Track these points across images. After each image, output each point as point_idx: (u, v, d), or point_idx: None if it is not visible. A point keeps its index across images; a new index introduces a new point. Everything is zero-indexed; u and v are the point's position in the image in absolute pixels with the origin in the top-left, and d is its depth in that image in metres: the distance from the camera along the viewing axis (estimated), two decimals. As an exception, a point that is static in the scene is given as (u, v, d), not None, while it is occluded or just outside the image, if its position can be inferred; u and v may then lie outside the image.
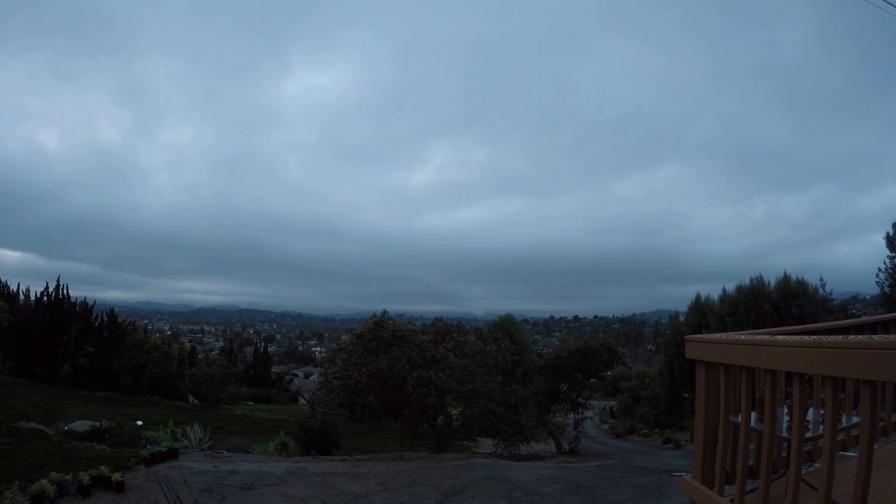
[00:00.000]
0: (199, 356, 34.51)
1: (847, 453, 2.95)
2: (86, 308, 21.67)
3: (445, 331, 13.17)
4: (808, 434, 2.30)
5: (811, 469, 2.87)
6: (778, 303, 19.19)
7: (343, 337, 17.23)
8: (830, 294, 20.47)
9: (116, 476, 6.21)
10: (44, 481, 5.53)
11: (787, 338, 2.34)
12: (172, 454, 8.04)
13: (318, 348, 79.92)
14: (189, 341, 57.91)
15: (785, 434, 2.34)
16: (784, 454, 2.62)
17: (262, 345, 49.46)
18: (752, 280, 20.77)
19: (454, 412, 13.13)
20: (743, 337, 2.61)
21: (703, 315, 22.63)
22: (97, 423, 9.57)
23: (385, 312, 13.03)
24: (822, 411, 2.18)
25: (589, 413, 18.85)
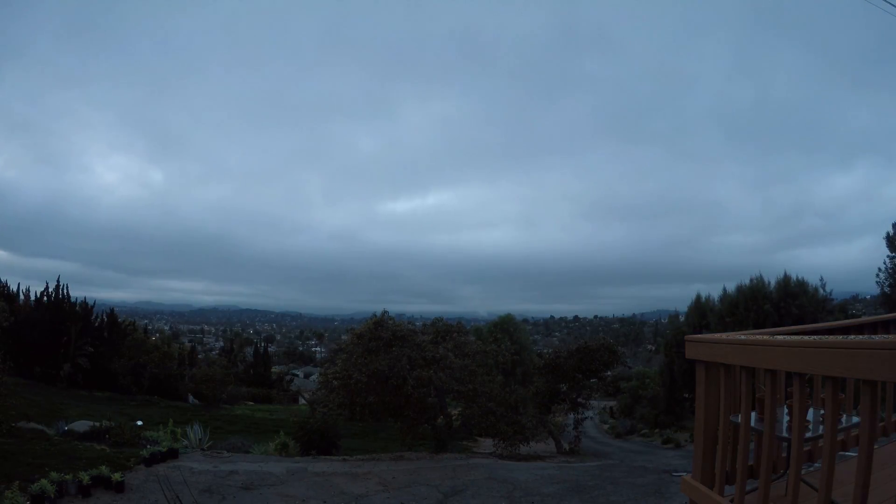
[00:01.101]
0: (199, 356, 34.52)
1: (847, 453, 2.95)
2: (86, 308, 21.66)
3: (445, 331, 13.17)
4: (808, 434, 2.31)
5: (811, 469, 2.87)
6: (778, 303, 19.17)
7: (343, 337, 17.24)
8: (830, 294, 20.48)
9: (116, 476, 6.21)
10: (44, 481, 5.53)
11: (787, 338, 2.34)
12: (172, 454, 8.03)
13: (318, 348, 79.92)
14: (189, 341, 58.04)
15: (785, 434, 2.35)
16: (784, 454, 2.62)
17: (262, 345, 49.54)
18: (752, 280, 20.77)
19: (454, 412, 13.13)
20: (743, 337, 2.61)
21: (703, 315, 22.60)
22: (97, 423, 9.56)
23: (385, 312, 13.01)
24: (822, 411, 2.19)
25: (589, 413, 18.86)
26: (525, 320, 58.30)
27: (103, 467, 6.32)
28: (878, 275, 18.56)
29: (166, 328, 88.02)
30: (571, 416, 16.46)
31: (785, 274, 20.07)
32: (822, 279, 20.21)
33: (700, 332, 15.16)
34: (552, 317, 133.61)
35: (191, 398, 23.28)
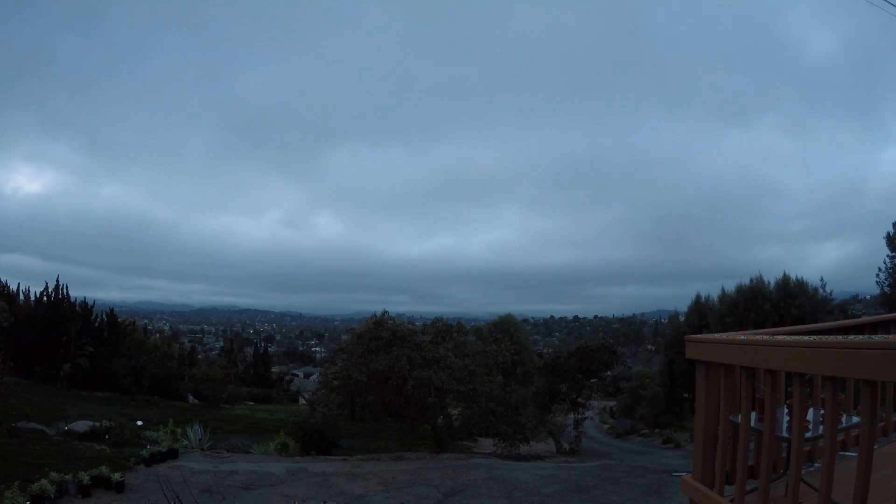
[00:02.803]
0: (199, 356, 34.57)
1: (847, 453, 2.95)
2: (86, 308, 21.70)
3: (445, 331, 13.16)
4: (808, 434, 2.31)
5: (811, 469, 2.87)
6: (778, 303, 19.22)
7: (343, 337, 17.23)
8: (830, 294, 20.54)
9: (116, 476, 6.21)
10: (44, 481, 5.53)
11: (787, 338, 2.34)
12: (172, 454, 8.03)
13: (318, 348, 79.93)
14: (189, 341, 57.94)
15: (785, 434, 2.35)
16: (784, 454, 2.62)
17: (262, 345, 49.61)
18: (751, 280, 20.84)
19: (454, 412, 13.13)
20: (743, 337, 2.61)
21: (703, 315, 22.65)
22: (97, 423, 9.56)
23: (385, 312, 13.00)
24: (822, 411, 2.19)
25: (589, 413, 18.85)
26: (525, 320, 58.35)
27: (103, 467, 6.32)
28: (878, 275, 18.64)
29: (166, 328, 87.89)
30: (571, 416, 16.46)
31: (784, 274, 20.19)
32: (822, 279, 20.32)
33: (700, 332, 15.21)
34: (552, 317, 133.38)
35: (191, 398, 23.30)
